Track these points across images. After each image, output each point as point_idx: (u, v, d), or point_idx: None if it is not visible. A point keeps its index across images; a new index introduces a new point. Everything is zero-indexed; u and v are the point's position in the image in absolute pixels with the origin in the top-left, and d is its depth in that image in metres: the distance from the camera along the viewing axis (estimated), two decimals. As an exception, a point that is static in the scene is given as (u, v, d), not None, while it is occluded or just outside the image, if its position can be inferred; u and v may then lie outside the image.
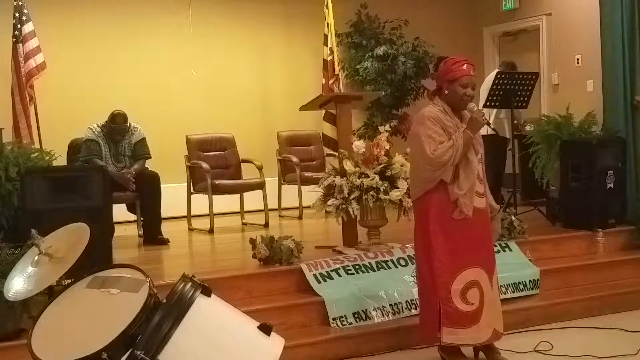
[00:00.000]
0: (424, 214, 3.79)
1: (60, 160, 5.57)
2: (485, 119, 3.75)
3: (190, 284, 2.65)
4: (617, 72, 6.04)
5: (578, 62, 7.68)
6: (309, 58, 8.20)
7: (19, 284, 2.75)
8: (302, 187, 7.01)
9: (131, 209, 6.22)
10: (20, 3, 6.73)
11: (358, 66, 8.15)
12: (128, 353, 2.45)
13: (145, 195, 5.96)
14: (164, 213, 6.07)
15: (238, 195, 6.96)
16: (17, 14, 6.72)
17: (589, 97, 7.00)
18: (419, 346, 4.26)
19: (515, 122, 6.73)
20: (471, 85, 3.73)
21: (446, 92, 3.75)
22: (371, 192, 4.73)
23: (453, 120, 3.74)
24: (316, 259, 4.69)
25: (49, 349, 2.50)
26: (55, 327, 2.59)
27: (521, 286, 4.88)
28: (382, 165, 4.82)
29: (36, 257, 2.78)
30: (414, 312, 4.49)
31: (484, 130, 3.88)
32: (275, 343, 2.70)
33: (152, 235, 5.95)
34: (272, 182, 7.06)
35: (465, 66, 3.72)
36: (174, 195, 6.57)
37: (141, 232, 6.17)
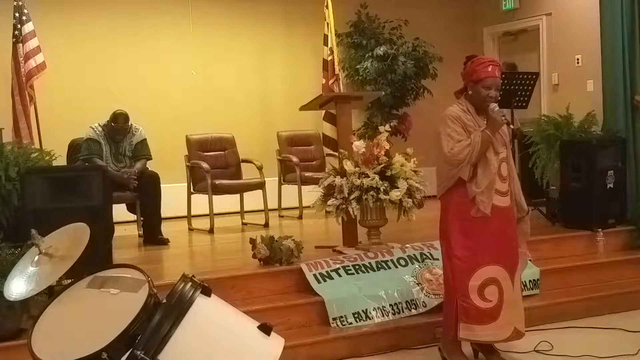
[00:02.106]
0: (445, 210, 3.85)
1: (60, 160, 5.56)
2: (505, 119, 3.76)
3: (190, 284, 2.65)
4: (617, 72, 6.03)
5: (578, 62, 7.68)
6: (309, 58, 8.21)
7: (19, 284, 2.75)
8: (302, 187, 7.01)
9: (131, 209, 6.22)
10: (20, 3, 6.73)
11: (358, 66, 8.15)
12: (128, 353, 2.45)
13: (145, 195, 5.97)
14: (164, 213, 6.07)
15: (238, 195, 6.96)
16: (17, 14, 6.73)
17: (589, 97, 7.00)
18: (419, 346, 4.26)
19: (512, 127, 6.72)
20: (494, 87, 3.75)
21: (470, 92, 3.78)
22: (371, 192, 4.73)
23: (475, 119, 3.76)
24: (316, 259, 4.69)
25: (49, 349, 2.50)
26: (55, 327, 2.59)
27: (521, 286, 4.87)
28: (382, 165, 4.82)
29: (36, 257, 2.79)
30: (413, 312, 4.50)
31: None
32: (275, 343, 2.71)
33: (152, 235, 5.96)
34: (272, 182, 7.06)
35: (490, 68, 3.74)
36: (174, 195, 6.58)
37: (141, 232, 6.17)
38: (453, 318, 3.79)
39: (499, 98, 3.84)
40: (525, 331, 4.47)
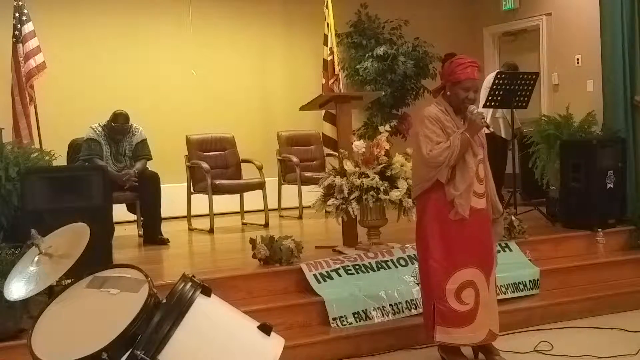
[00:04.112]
0: (422, 212, 3.82)
1: (60, 160, 5.57)
2: (484, 122, 3.75)
3: (190, 284, 2.65)
4: (617, 72, 6.03)
5: (578, 62, 7.68)
6: (309, 58, 8.21)
7: (19, 284, 2.75)
8: (302, 187, 7.01)
9: (131, 209, 6.22)
10: (20, 3, 6.73)
11: (358, 66, 8.16)
12: (128, 353, 2.45)
13: (145, 195, 5.97)
14: (164, 213, 6.07)
15: (238, 195, 6.96)
16: (17, 14, 6.72)
17: (589, 97, 7.00)
18: (419, 346, 4.26)
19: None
20: (473, 89, 3.72)
21: (448, 93, 3.76)
22: (371, 192, 4.73)
23: (454, 120, 3.75)
24: (316, 259, 4.68)
25: (49, 349, 2.50)
26: (55, 327, 2.59)
27: (521, 286, 4.88)
28: (382, 165, 4.82)
29: (36, 257, 2.78)
30: (414, 312, 4.49)
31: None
32: (275, 343, 2.71)
33: (152, 235, 5.96)
34: (272, 182, 7.06)
35: (469, 69, 3.70)
36: (174, 195, 6.57)
37: (141, 232, 6.17)
38: (430, 321, 3.78)
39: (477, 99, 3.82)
40: (525, 331, 4.50)
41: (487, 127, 3.81)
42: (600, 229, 5.63)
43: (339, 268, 4.62)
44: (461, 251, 3.72)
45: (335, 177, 4.88)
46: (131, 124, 6.05)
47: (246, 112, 7.95)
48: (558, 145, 6.03)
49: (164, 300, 2.57)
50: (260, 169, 6.82)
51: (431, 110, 3.76)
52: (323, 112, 7.63)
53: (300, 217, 7.05)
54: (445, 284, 3.71)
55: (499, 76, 6.44)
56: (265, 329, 2.69)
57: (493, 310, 3.86)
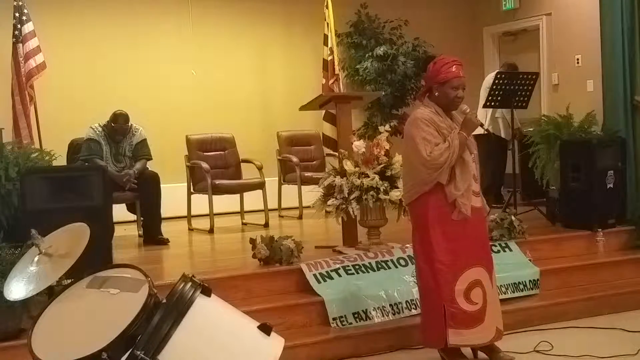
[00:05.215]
0: (421, 216, 3.78)
1: (60, 160, 5.57)
2: (479, 120, 3.75)
3: (190, 284, 2.65)
4: (617, 72, 6.03)
5: (578, 62, 7.68)
6: (309, 58, 8.21)
7: (19, 284, 2.75)
8: (302, 187, 7.01)
9: (131, 209, 6.23)
10: (20, 3, 6.73)
11: (358, 66, 8.16)
12: (128, 353, 2.46)
13: (145, 195, 5.96)
14: (164, 213, 6.07)
15: (238, 195, 6.96)
16: (17, 14, 6.72)
17: (589, 97, 7.00)
18: (419, 346, 4.25)
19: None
20: (461, 87, 3.73)
21: (436, 93, 3.75)
22: (371, 192, 4.73)
23: (446, 121, 3.75)
24: (316, 259, 4.68)
25: (49, 349, 2.50)
26: (55, 327, 2.59)
27: (521, 286, 4.88)
28: (382, 165, 4.83)
29: (36, 257, 2.79)
30: (414, 312, 4.49)
31: (478, 130, 3.89)
32: (275, 343, 2.71)
33: (152, 235, 5.96)
34: (272, 182, 7.06)
35: (454, 67, 3.71)
36: (174, 195, 6.57)
37: (141, 232, 6.17)
38: (441, 324, 3.72)
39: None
40: (525, 331, 4.50)
41: (482, 125, 3.81)
42: (600, 229, 5.63)
43: (339, 268, 4.62)
44: (466, 251, 3.72)
45: (335, 177, 4.88)
46: (131, 124, 6.04)
47: (246, 112, 7.95)
48: (558, 145, 6.02)
49: (164, 300, 2.58)
50: (260, 169, 6.81)
51: (423, 112, 3.75)
52: (323, 112, 7.63)
53: (300, 217, 7.05)
54: (454, 285, 3.69)
55: (498, 76, 6.44)
56: (265, 329, 2.69)
57: (498, 306, 3.86)
